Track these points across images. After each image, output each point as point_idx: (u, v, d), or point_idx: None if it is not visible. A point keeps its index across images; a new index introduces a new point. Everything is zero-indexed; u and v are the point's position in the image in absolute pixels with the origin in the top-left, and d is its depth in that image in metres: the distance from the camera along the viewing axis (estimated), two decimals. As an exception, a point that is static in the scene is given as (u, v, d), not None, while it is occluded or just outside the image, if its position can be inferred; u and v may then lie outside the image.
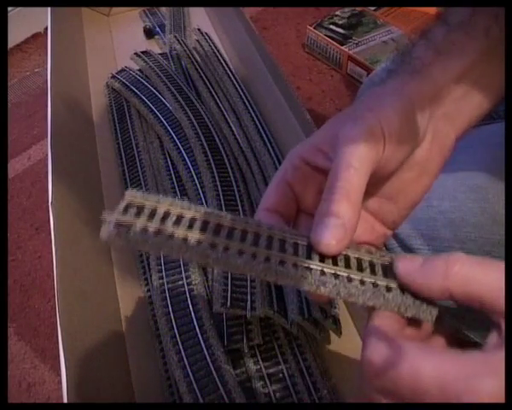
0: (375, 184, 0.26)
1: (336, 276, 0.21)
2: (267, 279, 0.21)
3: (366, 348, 0.20)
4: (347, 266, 0.22)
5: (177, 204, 0.23)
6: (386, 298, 0.21)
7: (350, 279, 0.21)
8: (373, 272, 0.22)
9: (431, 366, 0.18)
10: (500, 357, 0.17)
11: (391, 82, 0.26)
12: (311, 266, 0.21)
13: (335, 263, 0.22)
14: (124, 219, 0.21)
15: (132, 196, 0.23)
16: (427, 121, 0.26)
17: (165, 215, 0.22)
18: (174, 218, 0.22)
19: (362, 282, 0.21)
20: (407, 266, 0.21)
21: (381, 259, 0.24)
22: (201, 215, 0.22)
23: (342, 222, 0.22)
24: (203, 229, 0.22)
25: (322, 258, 0.22)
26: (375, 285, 0.22)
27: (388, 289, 0.22)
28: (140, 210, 0.22)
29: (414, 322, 0.22)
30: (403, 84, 0.26)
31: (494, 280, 0.19)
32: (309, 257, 0.22)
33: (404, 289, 0.22)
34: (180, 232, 0.21)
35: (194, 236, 0.21)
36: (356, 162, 0.22)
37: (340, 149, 0.23)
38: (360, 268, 0.22)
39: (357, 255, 0.23)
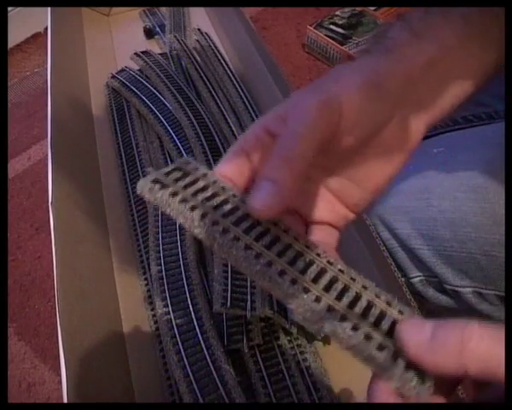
0: (336, 161, 0.25)
1: (331, 309, 0.20)
2: (260, 283, 0.21)
3: None
4: (352, 305, 0.20)
5: (219, 185, 0.23)
6: (373, 356, 0.18)
7: (343, 318, 0.19)
8: (376, 323, 0.20)
9: None
10: None
11: (361, 58, 0.26)
12: (310, 289, 0.20)
13: (340, 297, 0.21)
14: (162, 179, 0.22)
15: (183, 162, 0.24)
16: (394, 103, 0.25)
17: (201, 189, 0.23)
18: (208, 194, 0.22)
19: (355, 328, 0.19)
20: (414, 336, 0.18)
21: (396, 313, 0.21)
22: (234, 202, 0.22)
23: (278, 189, 0.21)
24: (227, 214, 0.22)
25: (330, 285, 0.21)
26: (367, 337, 0.19)
27: (381, 347, 0.19)
28: (181, 177, 0.23)
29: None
30: (373, 62, 0.25)
31: None
32: (315, 279, 0.21)
33: (398, 353, 0.18)
34: (199, 209, 0.21)
35: (212, 216, 0.21)
36: (303, 129, 0.21)
37: (292, 116, 0.22)
38: (365, 314, 0.20)
39: (370, 298, 0.21)
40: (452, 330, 0.17)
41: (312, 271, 0.21)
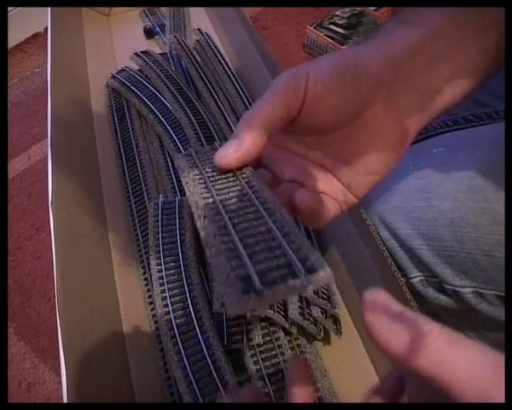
0: (321, 139, 0.27)
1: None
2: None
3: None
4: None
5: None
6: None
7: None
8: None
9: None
10: None
11: (347, 48, 0.27)
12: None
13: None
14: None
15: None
16: (375, 85, 0.25)
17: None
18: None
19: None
20: (378, 309, 0.17)
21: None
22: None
23: (236, 141, 0.24)
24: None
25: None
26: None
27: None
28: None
29: None
30: (354, 48, 0.26)
31: (468, 367, 0.15)
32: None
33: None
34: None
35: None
36: (267, 95, 0.24)
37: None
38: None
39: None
40: (415, 319, 0.17)
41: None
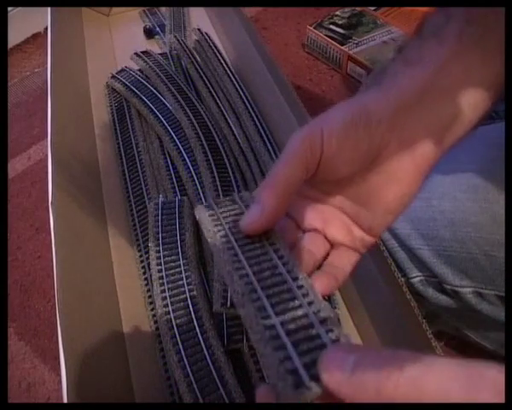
0: (339, 184, 0.28)
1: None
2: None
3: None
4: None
5: None
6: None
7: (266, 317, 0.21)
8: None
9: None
10: None
11: (357, 96, 0.27)
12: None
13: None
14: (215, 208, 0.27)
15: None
16: (387, 129, 0.26)
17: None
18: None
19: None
20: (334, 374, 0.17)
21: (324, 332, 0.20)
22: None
23: (261, 207, 0.24)
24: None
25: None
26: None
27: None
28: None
29: None
30: (362, 96, 0.27)
31: (441, 386, 0.15)
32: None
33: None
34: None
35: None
36: (285, 156, 0.25)
37: (284, 149, 0.26)
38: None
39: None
40: (371, 371, 0.16)
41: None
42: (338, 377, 0.17)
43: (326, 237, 0.29)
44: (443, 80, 0.26)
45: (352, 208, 0.28)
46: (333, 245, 0.29)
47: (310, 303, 0.22)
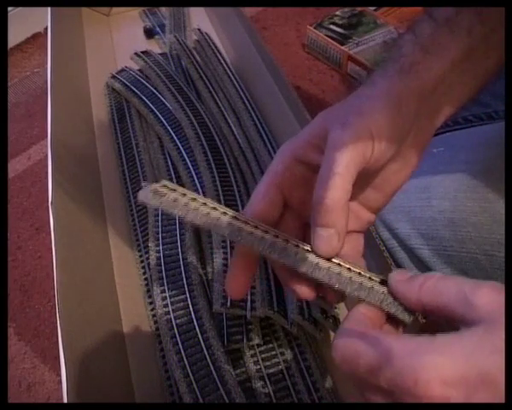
0: (364, 178, 0.27)
1: (329, 266, 0.25)
2: (271, 256, 0.24)
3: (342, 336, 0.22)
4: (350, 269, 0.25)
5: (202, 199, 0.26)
6: (371, 291, 0.24)
7: (341, 272, 0.25)
8: (367, 277, 0.25)
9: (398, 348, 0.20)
10: (449, 339, 0.19)
11: (380, 81, 0.27)
12: (311, 255, 0.25)
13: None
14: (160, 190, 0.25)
15: (167, 183, 0.26)
16: (412, 120, 0.27)
17: (192, 199, 0.25)
18: (200, 201, 0.25)
19: (351, 276, 0.25)
20: (397, 276, 0.24)
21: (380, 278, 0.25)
22: (223, 209, 0.26)
23: (335, 230, 0.24)
24: (224, 213, 0.25)
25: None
26: (363, 281, 0.25)
27: (374, 287, 0.24)
28: (173, 189, 0.25)
29: (392, 321, 0.25)
30: (391, 85, 0.27)
31: (459, 292, 0.20)
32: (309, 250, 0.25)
33: (391, 293, 0.24)
34: (204, 209, 0.25)
35: (215, 213, 0.25)
36: (342, 169, 0.24)
37: (328, 155, 0.25)
38: (357, 273, 0.25)
39: (358, 270, 0.25)
40: (423, 275, 0.23)
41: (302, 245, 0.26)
42: (400, 277, 0.24)
43: None
44: (453, 73, 0.27)
45: (363, 193, 0.29)
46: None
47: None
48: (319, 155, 0.26)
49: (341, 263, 0.25)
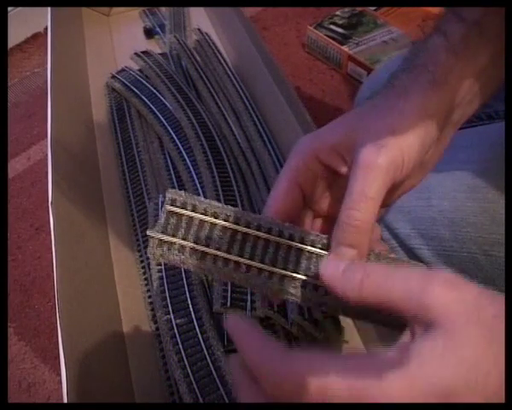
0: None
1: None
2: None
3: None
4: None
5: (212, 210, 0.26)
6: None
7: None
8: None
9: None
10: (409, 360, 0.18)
11: (412, 92, 0.26)
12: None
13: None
14: (164, 237, 0.25)
15: (174, 195, 0.26)
16: (439, 130, 0.27)
17: (201, 225, 0.26)
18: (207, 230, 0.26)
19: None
20: (330, 268, 0.23)
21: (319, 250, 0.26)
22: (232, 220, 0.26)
23: (357, 252, 0.24)
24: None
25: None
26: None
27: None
28: (178, 222, 0.26)
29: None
30: (425, 100, 0.26)
31: (407, 290, 0.19)
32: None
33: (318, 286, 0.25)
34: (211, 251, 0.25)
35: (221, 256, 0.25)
36: (375, 194, 0.24)
37: (361, 176, 0.24)
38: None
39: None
40: (359, 267, 0.21)
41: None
42: (333, 271, 0.22)
43: None
44: (480, 81, 0.27)
45: None
46: None
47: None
48: (342, 164, 0.26)
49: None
